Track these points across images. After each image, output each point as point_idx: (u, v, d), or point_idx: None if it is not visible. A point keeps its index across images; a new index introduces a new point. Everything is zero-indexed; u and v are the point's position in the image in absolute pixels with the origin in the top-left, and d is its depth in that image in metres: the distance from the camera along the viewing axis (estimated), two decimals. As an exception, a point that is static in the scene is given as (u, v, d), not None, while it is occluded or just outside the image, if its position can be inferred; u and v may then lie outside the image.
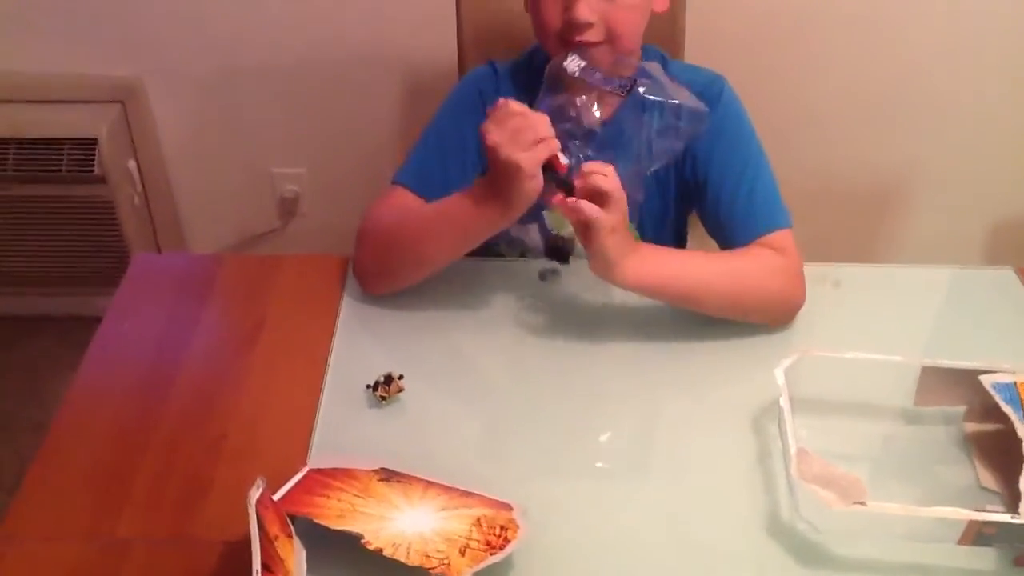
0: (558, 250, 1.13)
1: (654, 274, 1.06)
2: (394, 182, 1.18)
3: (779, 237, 1.13)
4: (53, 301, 2.09)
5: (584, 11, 1.06)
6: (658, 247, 1.11)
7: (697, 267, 1.10)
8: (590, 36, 1.08)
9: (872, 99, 1.98)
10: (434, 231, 1.09)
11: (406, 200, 1.15)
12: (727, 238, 1.15)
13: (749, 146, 1.18)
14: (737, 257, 1.12)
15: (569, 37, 1.08)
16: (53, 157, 1.83)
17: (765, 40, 1.89)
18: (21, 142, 1.83)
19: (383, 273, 1.14)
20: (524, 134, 0.97)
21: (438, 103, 1.27)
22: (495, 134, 0.97)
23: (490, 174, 1.01)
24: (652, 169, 1.08)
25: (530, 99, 1.08)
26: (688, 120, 1.04)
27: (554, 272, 1.16)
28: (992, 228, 2.17)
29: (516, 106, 0.99)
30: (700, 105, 1.04)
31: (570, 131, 1.03)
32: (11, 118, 1.85)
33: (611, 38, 1.09)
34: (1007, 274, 1.20)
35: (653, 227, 1.22)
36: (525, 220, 1.05)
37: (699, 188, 1.18)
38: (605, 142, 1.05)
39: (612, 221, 0.99)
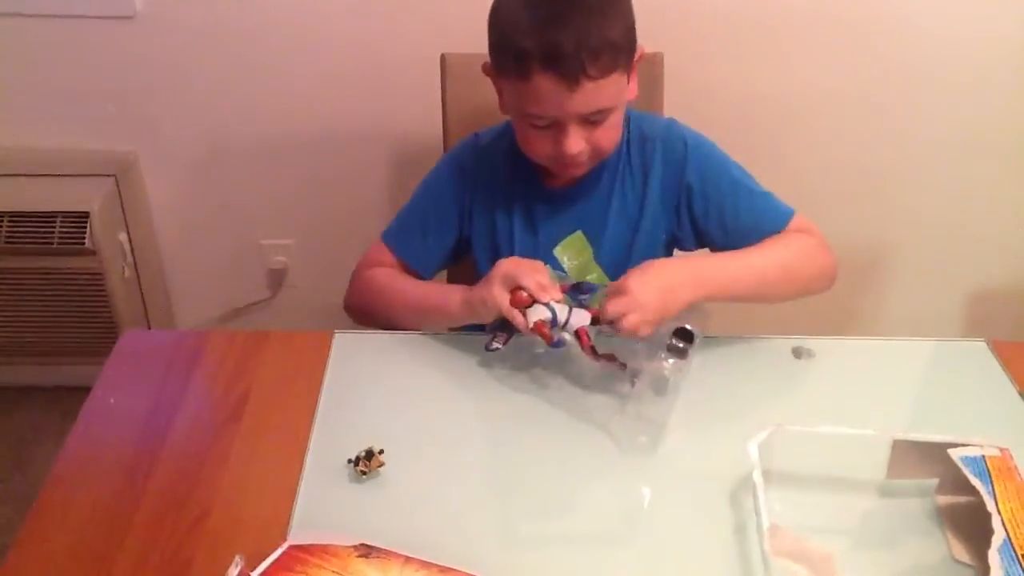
0: (678, 348, 1.09)
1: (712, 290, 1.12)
2: (381, 239, 1.30)
3: (795, 223, 1.21)
4: (40, 370, 2.10)
5: (574, 145, 1.12)
6: (688, 261, 1.16)
7: (744, 264, 1.16)
8: (579, 158, 1.14)
9: (846, 175, 2.02)
10: (408, 307, 1.23)
11: (387, 259, 1.29)
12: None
13: (727, 165, 1.24)
14: (773, 245, 1.19)
15: (561, 163, 1.15)
16: (45, 230, 1.85)
17: (735, 120, 1.93)
18: (14, 214, 1.85)
19: (363, 316, 1.28)
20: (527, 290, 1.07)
21: (424, 175, 1.33)
22: (510, 265, 1.09)
23: (476, 288, 1.12)
24: None
25: (509, 167, 1.24)
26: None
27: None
28: (967, 300, 2.19)
29: (545, 281, 1.07)
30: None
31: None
32: (5, 191, 1.87)
33: (595, 152, 1.16)
34: (979, 346, 1.22)
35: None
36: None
37: (700, 225, 1.23)
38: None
39: (644, 313, 1.04)
